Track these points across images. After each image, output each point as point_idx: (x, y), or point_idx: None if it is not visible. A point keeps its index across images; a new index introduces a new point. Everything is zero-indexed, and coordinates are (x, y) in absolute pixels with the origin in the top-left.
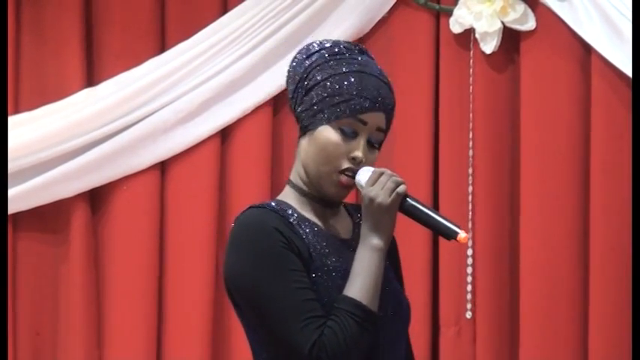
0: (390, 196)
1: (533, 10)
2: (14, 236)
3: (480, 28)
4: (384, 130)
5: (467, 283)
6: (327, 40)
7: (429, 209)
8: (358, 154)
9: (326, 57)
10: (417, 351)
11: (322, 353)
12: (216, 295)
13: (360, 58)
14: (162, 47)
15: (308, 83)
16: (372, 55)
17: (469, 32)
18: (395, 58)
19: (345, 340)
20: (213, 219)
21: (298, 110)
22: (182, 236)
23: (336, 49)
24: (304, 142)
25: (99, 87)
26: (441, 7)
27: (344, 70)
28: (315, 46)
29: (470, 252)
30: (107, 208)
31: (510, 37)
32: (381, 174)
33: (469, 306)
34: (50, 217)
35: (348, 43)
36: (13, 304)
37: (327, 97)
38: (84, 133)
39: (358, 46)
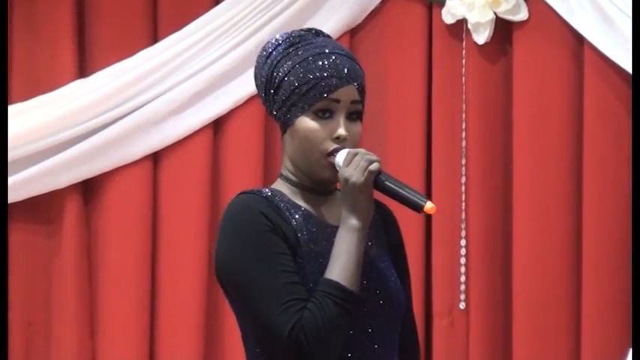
0: (363, 174)
1: (526, 1)
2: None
3: (472, 18)
4: (360, 101)
5: (460, 274)
6: (281, 34)
7: (398, 184)
8: (341, 131)
9: (282, 51)
10: None
11: (301, 335)
12: (209, 286)
13: (315, 41)
14: (154, 38)
15: (274, 83)
16: (330, 35)
17: (461, 23)
18: (387, 49)
19: (323, 321)
20: (205, 210)
21: (275, 112)
22: (175, 227)
23: (290, 40)
24: (287, 138)
25: (91, 78)
26: None
27: (303, 57)
28: (270, 45)
29: (463, 242)
30: (100, 199)
31: (503, 28)
32: (356, 154)
33: (462, 297)
34: (43, 208)
35: (302, 30)
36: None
37: (295, 88)
38: (76, 124)
39: (313, 30)
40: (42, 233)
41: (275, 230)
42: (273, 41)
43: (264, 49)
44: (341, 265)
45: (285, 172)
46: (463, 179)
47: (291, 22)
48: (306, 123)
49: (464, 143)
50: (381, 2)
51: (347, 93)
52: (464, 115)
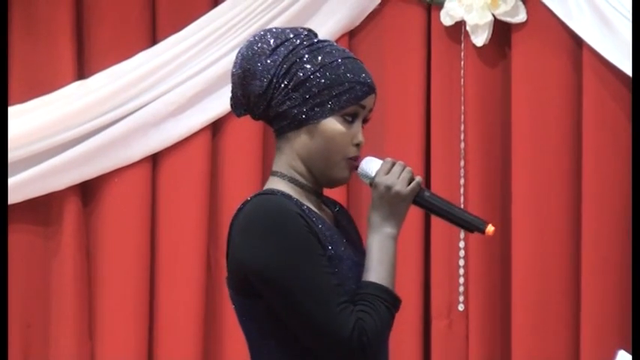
0: (407, 185)
1: (524, 3)
2: None
3: (470, 20)
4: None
5: (459, 275)
6: (279, 29)
7: (447, 201)
8: (361, 138)
9: (301, 48)
10: (408, 342)
11: (363, 336)
12: (207, 287)
13: (330, 43)
14: (153, 40)
15: (293, 78)
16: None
17: (460, 25)
18: (386, 50)
19: (381, 323)
20: (204, 211)
21: (284, 108)
22: (174, 228)
23: (303, 38)
24: (300, 136)
25: (90, 80)
26: None
27: (330, 58)
28: (270, 37)
29: (462, 244)
30: (99, 200)
31: (501, 30)
32: (394, 164)
33: (461, 298)
34: (42, 209)
35: (297, 29)
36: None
37: (324, 89)
38: (75, 126)
39: (310, 30)
40: (41, 235)
41: (312, 232)
42: (276, 35)
43: (260, 40)
44: (384, 271)
45: (288, 172)
46: (462, 181)
47: (290, 24)
48: (335, 125)
49: (462, 145)
50: (380, 4)
51: (371, 100)
52: (463, 117)
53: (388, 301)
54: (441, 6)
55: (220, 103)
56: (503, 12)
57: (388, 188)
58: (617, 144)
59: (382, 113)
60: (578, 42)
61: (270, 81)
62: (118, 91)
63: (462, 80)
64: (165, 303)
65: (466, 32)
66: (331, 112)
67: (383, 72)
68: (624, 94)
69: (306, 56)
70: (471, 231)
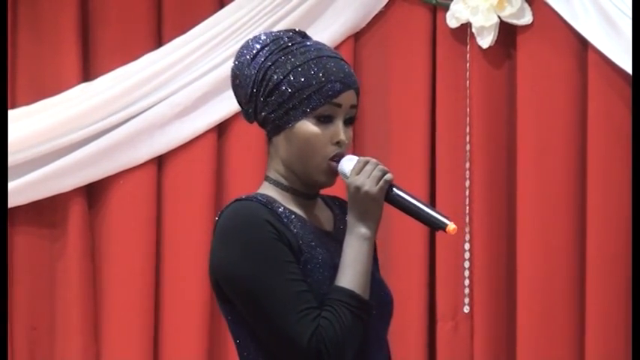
0: (376, 184)
1: (530, 5)
2: (11, 231)
3: (476, 22)
4: (356, 106)
5: (464, 277)
6: (263, 35)
7: (415, 199)
8: (341, 137)
9: (275, 52)
10: (414, 345)
11: (321, 344)
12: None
13: (308, 43)
14: (158, 42)
15: (267, 84)
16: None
17: (466, 27)
18: (391, 52)
19: (341, 329)
20: (209, 213)
21: (263, 115)
22: (179, 231)
23: (282, 42)
24: (281, 141)
25: (95, 82)
26: (437, 1)
27: (302, 60)
28: (255, 44)
29: (467, 246)
30: (104, 202)
31: (507, 32)
32: (366, 163)
33: (466, 300)
34: (47, 211)
35: (285, 31)
36: (9, 298)
37: (295, 92)
38: (80, 128)
39: (298, 31)
40: (46, 237)
41: (281, 238)
42: (260, 41)
43: (246, 47)
44: (354, 274)
45: (274, 176)
46: (467, 183)
47: (295, 26)
48: (308, 127)
49: (468, 147)
50: (385, 6)
51: (348, 97)
52: (468, 118)
53: (353, 305)
54: (446, 8)
55: (226, 105)
56: (508, 14)
57: (358, 189)
58: (622, 145)
59: (387, 115)
60: (583, 43)
61: (252, 89)
62: (123, 93)
63: (468, 82)
64: (171, 305)
65: (472, 34)
66: (303, 115)
67: (388, 74)
68: (630, 95)
69: (280, 61)
70: (436, 229)
